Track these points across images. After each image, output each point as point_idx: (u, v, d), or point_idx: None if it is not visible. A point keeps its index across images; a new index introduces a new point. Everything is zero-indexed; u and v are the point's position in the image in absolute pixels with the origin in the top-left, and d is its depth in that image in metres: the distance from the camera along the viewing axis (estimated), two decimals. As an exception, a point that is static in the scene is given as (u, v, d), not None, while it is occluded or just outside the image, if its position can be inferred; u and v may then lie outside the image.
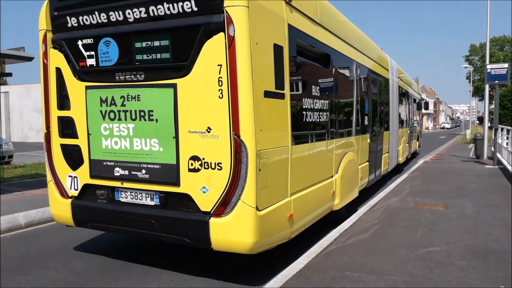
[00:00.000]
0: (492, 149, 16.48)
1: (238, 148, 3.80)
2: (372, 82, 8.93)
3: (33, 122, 32.29)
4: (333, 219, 6.52)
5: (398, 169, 13.10)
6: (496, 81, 13.96)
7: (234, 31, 3.69)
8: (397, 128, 12.04)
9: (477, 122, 60.71)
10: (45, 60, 4.78)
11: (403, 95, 13.75)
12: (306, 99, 5.13)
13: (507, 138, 14.12)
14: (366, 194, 9.23)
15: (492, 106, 24.51)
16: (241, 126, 3.78)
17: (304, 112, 5.05)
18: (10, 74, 10.57)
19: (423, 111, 19.80)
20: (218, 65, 3.78)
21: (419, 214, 7.03)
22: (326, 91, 5.90)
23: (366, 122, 8.35)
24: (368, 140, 8.54)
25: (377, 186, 10.02)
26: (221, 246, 4.03)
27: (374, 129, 9.13)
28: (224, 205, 3.92)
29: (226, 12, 3.71)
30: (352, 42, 7.26)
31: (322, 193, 5.73)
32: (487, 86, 17.56)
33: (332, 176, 6.18)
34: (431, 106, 79.85)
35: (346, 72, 7.15)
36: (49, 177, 4.94)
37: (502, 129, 15.13)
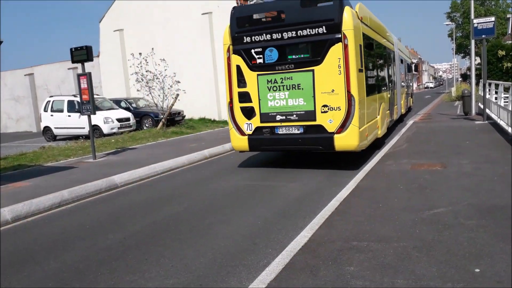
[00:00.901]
0: (480, 105, 16.47)
1: (350, 98, 7.76)
2: (391, 57, 13.70)
3: (11, 111, 31.28)
4: (377, 144, 10.20)
5: (401, 119, 16.82)
6: (483, 36, 13.73)
7: (348, 42, 7.69)
8: (401, 88, 16.16)
9: (460, 79, 61.03)
10: (229, 62, 8.74)
11: (402, 61, 17.20)
12: (369, 71, 9.30)
13: (496, 93, 14.06)
14: (360, 157, 9.08)
15: (477, 61, 24.40)
16: (351, 87, 7.74)
17: (368, 79, 9.14)
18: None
19: (414, 72, 23.66)
20: (338, 58, 7.75)
21: (418, 176, 6.91)
22: (375, 66, 10.52)
23: (389, 84, 12.92)
24: (389, 95, 12.66)
25: (371, 149, 9.86)
26: (341, 148, 8.03)
27: (391, 88, 13.33)
28: (342, 127, 7.90)
29: (343, 33, 7.69)
30: (382, 34, 11.87)
31: (375, 125, 9.74)
32: (473, 41, 17.32)
33: (377, 116, 10.10)
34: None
35: (381, 53, 11.66)
36: (231, 125, 8.95)
37: (490, 84, 15.03)
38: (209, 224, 5.47)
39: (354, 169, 8.17)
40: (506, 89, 12.73)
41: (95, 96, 12.46)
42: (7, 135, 26.23)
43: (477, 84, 18.11)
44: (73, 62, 11.26)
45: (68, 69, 29.61)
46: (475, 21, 13.94)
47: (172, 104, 18.25)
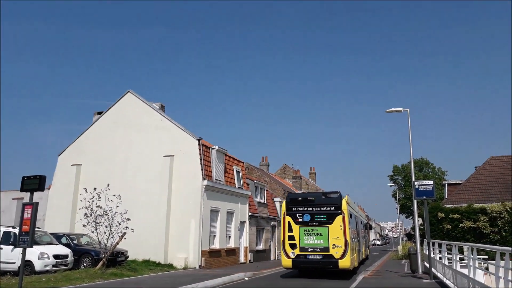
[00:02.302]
0: (426, 263, 16.85)
1: (345, 243, 16.34)
2: (358, 220, 23.82)
3: None
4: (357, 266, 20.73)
5: (364, 261, 26.32)
6: (424, 197, 14.90)
7: (344, 214, 16.82)
8: (363, 241, 26.58)
9: (405, 238, 63.28)
10: (284, 219, 17.55)
11: (361, 222, 26.86)
12: (351, 229, 18.27)
13: (439, 252, 14.60)
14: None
15: (420, 222, 25.77)
16: (347, 235, 16.48)
17: (351, 232, 18.09)
18: None
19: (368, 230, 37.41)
20: (340, 222, 16.73)
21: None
22: (353, 225, 19.88)
23: (359, 238, 22.80)
24: (359, 245, 22.41)
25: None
26: (342, 267, 16.30)
27: (360, 240, 23.23)
28: (342, 257, 16.22)
29: (342, 210, 16.91)
30: (354, 208, 23.46)
31: (357, 257, 20.14)
32: (415, 202, 18.65)
33: (356, 253, 19.79)
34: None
35: (354, 218, 21.39)
36: (282, 253, 17.23)
37: (433, 244, 15.69)
38: None
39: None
40: (449, 249, 13.28)
41: (36, 229, 11.71)
42: None
43: (421, 243, 18.86)
44: (21, 190, 10.89)
45: (13, 199, 28.23)
46: (416, 183, 15.30)
47: (117, 243, 17.33)
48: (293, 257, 16.70)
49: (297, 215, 17.17)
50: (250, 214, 28.66)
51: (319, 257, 16.33)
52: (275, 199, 36.84)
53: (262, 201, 32.90)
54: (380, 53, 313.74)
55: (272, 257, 33.11)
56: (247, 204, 28.49)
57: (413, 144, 28.51)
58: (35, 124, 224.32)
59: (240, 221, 27.12)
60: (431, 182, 15.35)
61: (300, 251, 16.60)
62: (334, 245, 16.24)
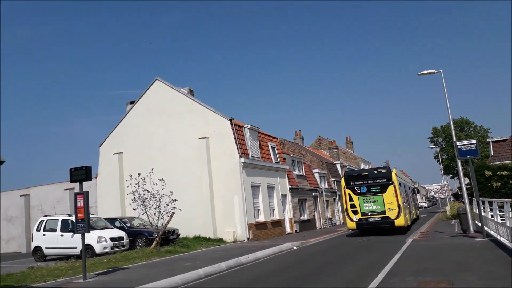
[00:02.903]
0: (477, 222, 16.45)
1: (398, 206, 20.31)
2: (407, 187, 28.37)
3: (2, 231, 30.48)
4: (411, 224, 25.66)
5: (416, 220, 30.16)
6: (468, 156, 14.38)
7: (395, 184, 20.54)
8: (413, 204, 30.85)
9: (453, 199, 61.73)
10: (344, 191, 21.38)
11: (409, 188, 30.98)
12: (402, 193, 22.74)
13: (490, 210, 14.20)
14: (366, 276, 8.73)
15: (467, 182, 25.04)
16: (399, 201, 20.31)
17: (403, 197, 22.04)
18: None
19: (417, 194, 43.92)
20: (392, 190, 20.47)
21: (426, 294, 6.59)
22: (403, 191, 24.14)
23: (409, 201, 26.95)
24: (410, 205, 27.28)
25: (376, 268, 9.54)
26: (397, 225, 20.11)
27: (410, 203, 27.56)
28: (397, 217, 20.09)
29: (392, 181, 20.64)
30: (403, 178, 27.66)
31: (409, 216, 24.15)
32: (459, 162, 18.04)
33: (408, 213, 24.71)
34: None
35: (404, 186, 25.20)
36: (347, 217, 21.35)
37: (483, 202, 15.25)
38: None
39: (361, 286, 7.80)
40: (500, 206, 12.88)
41: (90, 215, 12.37)
42: (-7, 257, 25.09)
43: (470, 202, 18.35)
44: (71, 181, 11.45)
45: (65, 189, 29.82)
46: (458, 143, 14.72)
47: (167, 223, 18.03)
48: (356, 220, 20.87)
49: (355, 187, 21.12)
50: (290, 186, 28.89)
51: (378, 219, 20.40)
52: (314, 170, 36.83)
53: (301, 173, 33.00)
54: (409, 15, 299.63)
55: (318, 226, 33.43)
56: (286, 178, 28.70)
57: (451, 105, 27.57)
58: (75, 118, 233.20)
59: (282, 194, 27.42)
60: (474, 141, 14.71)
61: (361, 216, 20.77)
62: (389, 208, 20.24)
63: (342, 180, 22.03)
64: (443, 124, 55.79)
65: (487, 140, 39.50)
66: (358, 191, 20.91)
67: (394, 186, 20.25)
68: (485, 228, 14.41)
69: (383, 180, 20.64)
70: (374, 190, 20.64)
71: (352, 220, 20.92)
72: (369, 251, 14.80)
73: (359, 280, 8.61)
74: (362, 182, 21.00)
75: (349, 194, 21.10)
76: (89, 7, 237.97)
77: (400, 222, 19.95)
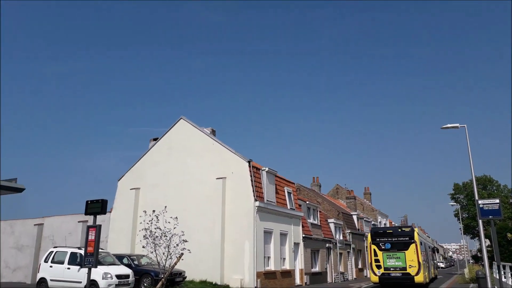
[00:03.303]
0: (497, 288, 15.63)
1: (419, 264, 22.24)
2: (427, 246, 29.45)
3: (10, 260, 30.46)
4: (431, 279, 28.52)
5: (432, 280, 29.88)
6: (490, 216, 13.96)
7: (417, 243, 22.74)
8: (432, 265, 31.10)
9: (472, 261, 59.11)
10: (370, 247, 23.62)
11: (429, 247, 31.86)
12: (422, 253, 24.31)
13: (511, 275, 13.53)
14: None
15: (487, 243, 24.06)
16: (419, 260, 22.40)
17: (422, 255, 24.06)
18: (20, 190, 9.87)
19: (436, 254, 44.04)
20: (414, 249, 22.54)
21: None
22: (423, 250, 25.29)
23: (429, 260, 29.42)
24: (429, 268, 27.98)
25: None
26: (417, 281, 22.07)
27: (430, 261, 29.46)
28: (417, 274, 22.06)
29: (415, 239, 22.74)
30: (423, 237, 29.01)
31: (428, 274, 26.43)
32: (480, 222, 17.47)
33: (427, 273, 25.97)
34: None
35: (424, 245, 26.99)
36: (370, 271, 23.65)
37: (504, 267, 14.58)
38: None
39: None
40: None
41: (99, 250, 12.33)
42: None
43: (490, 265, 17.55)
44: (86, 213, 11.57)
45: (79, 222, 29.89)
46: (480, 202, 14.37)
47: (175, 263, 17.74)
48: (379, 274, 23.03)
49: (380, 244, 23.29)
50: (304, 235, 28.25)
51: (399, 275, 22.46)
52: (329, 220, 36.05)
53: (316, 222, 32.34)
54: (433, 72, 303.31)
55: (329, 279, 32.22)
56: (300, 226, 28.15)
57: (474, 161, 27.04)
58: (98, 153, 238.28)
59: (294, 243, 26.80)
60: (497, 200, 14.35)
61: (384, 270, 22.88)
62: (410, 265, 22.28)
63: (369, 236, 24.34)
64: (465, 181, 54.66)
65: (511, 200, 38.34)
66: (382, 247, 23.02)
67: (416, 245, 22.38)
68: (506, 295, 13.66)
69: (406, 238, 22.75)
70: (397, 247, 22.76)
71: (375, 274, 22.98)
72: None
73: None
74: (386, 239, 23.13)
75: (374, 250, 23.20)
76: (123, 43, 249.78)
77: (419, 278, 21.90)
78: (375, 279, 23.04)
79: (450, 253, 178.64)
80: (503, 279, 14.13)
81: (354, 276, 38.00)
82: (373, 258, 23.21)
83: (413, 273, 21.83)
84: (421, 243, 23.70)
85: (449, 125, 18.86)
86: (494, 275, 16.93)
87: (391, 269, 22.47)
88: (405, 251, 22.39)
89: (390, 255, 22.71)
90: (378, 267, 22.82)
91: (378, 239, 23.28)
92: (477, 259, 54.74)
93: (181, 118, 27.08)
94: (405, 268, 22.12)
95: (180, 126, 26.90)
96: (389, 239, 23.05)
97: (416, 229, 23.45)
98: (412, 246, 22.34)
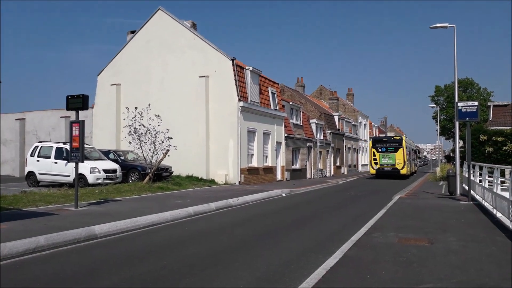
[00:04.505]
0: (464, 186, 16.74)
1: (403, 161, 32.90)
2: (411, 149, 41.94)
3: (-5, 154, 30.73)
4: (411, 174, 40.16)
5: (414, 173, 41.95)
6: (467, 118, 14.30)
7: (403, 147, 33.32)
8: (413, 161, 45.09)
9: (444, 160, 62.57)
10: (371, 149, 34.24)
11: (412, 149, 44.20)
12: (409, 154, 37.07)
13: (480, 175, 14.38)
14: (349, 228, 8.99)
15: (461, 144, 25.16)
16: (405, 159, 33.16)
17: (408, 156, 36.25)
18: None
19: (418, 154, 62.26)
20: (401, 151, 33.13)
21: (405, 250, 6.82)
22: (408, 153, 36.53)
23: (412, 159, 41.95)
24: (412, 163, 41.64)
25: (360, 221, 9.81)
26: (402, 173, 32.98)
27: (412, 160, 42.11)
28: (402, 168, 32.84)
29: (403, 145, 33.51)
30: (409, 143, 42.56)
31: (410, 168, 37.85)
32: (457, 123, 18.01)
33: (410, 166, 39.37)
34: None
35: (409, 148, 39.41)
36: (370, 166, 35.05)
37: (474, 166, 15.41)
38: (187, 284, 5.22)
39: (342, 239, 8.04)
40: (490, 172, 13.04)
41: (84, 145, 12.41)
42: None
43: (461, 165, 18.56)
44: (67, 109, 11.35)
45: (61, 117, 29.73)
46: (459, 104, 14.56)
47: (161, 159, 18.23)
48: (376, 168, 33.14)
49: (377, 148, 33.26)
50: (286, 135, 28.97)
51: (390, 169, 32.59)
52: (311, 121, 36.77)
53: (298, 122, 32.97)
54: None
55: (308, 175, 34.02)
56: (283, 126, 28.70)
57: (458, 63, 26.89)
58: (71, 44, 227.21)
59: (277, 142, 27.57)
60: (476, 103, 14.54)
61: (379, 166, 32.96)
62: (398, 162, 32.41)
63: (370, 142, 35.30)
64: (447, 83, 55.22)
65: (488, 103, 39.31)
66: (379, 150, 33.13)
67: (403, 149, 32.65)
68: (472, 192, 14.69)
69: (397, 144, 33.17)
70: (390, 150, 32.92)
71: (373, 168, 33.43)
72: (355, 204, 15.18)
73: (342, 232, 8.87)
74: (382, 144, 33.44)
75: (373, 152, 33.42)
76: None
77: (404, 171, 32.57)
78: (373, 171, 33.51)
79: (425, 153, 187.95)
80: (471, 177, 15.05)
81: (332, 173, 40.10)
82: (373, 157, 33.45)
83: (399, 168, 32.39)
84: (407, 148, 33.87)
85: (438, 25, 18.26)
86: (464, 174, 18.00)
87: (385, 165, 32.83)
88: (395, 153, 32.68)
89: (384, 156, 32.95)
90: (376, 163, 33.16)
91: (377, 145, 33.55)
92: (449, 159, 57.88)
93: (159, 8, 25.45)
94: (394, 165, 32.55)
95: (158, 18, 25.40)
96: (384, 145, 33.38)
97: (404, 138, 33.92)
98: (400, 149, 32.63)
